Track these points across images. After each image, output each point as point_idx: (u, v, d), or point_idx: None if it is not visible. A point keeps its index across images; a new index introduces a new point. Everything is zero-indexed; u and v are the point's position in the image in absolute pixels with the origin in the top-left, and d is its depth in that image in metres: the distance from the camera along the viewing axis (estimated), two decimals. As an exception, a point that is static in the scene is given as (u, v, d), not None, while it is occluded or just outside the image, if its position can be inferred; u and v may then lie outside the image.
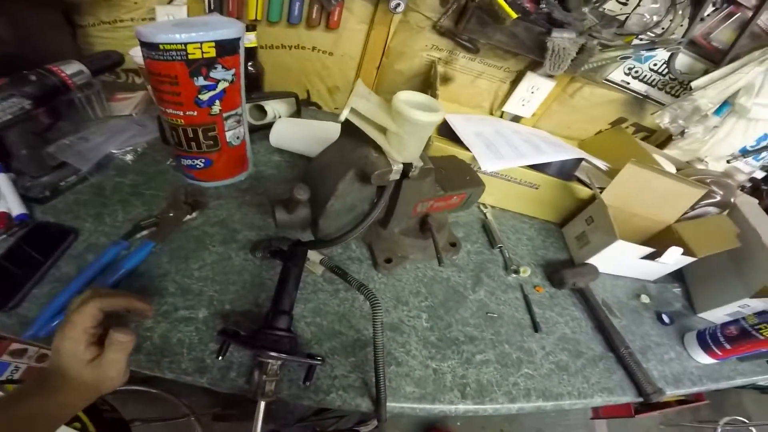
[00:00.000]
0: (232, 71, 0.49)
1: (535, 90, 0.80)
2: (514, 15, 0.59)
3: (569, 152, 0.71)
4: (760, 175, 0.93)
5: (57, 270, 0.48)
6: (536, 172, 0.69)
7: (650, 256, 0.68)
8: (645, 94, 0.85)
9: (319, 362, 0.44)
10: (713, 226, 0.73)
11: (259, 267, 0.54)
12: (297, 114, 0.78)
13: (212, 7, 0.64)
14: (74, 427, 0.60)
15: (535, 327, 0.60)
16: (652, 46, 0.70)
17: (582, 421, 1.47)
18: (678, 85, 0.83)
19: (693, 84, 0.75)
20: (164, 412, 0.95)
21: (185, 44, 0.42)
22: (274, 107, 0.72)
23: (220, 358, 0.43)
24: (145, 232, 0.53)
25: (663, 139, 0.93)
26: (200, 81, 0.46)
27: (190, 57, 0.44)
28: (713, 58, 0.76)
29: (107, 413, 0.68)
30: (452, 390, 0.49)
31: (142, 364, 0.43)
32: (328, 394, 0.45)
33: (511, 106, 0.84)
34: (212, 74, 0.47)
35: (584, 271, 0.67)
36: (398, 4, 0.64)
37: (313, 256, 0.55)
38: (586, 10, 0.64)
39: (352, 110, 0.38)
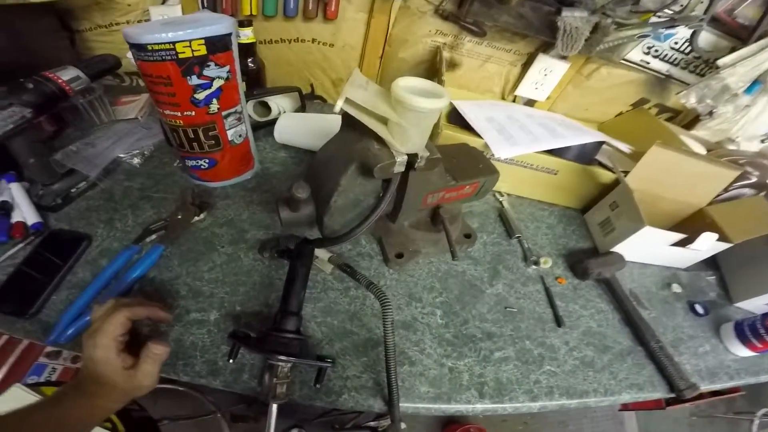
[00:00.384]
0: (227, 68, 0.47)
1: (548, 72, 0.76)
2: (519, -5, 0.55)
3: (588, 135, 0.66)
4: (797, 154, 0.85)
5: (73, 276, 0.49)
6: (554, 157, 0.65)
7: (681, 243, 0.63)
8: (667, 73, 0.80)
9: (329, 365, 0.43)
10: (749, 208, 0.67)
11: (268, 267, 0.54)
12: (302, 108, 0.76)
13: (205, 5, 0.62)
14: (105, 426, 0.61)
15: (558, 321, 0.57)
16: (671, 23, 0.65)
17: (609, 412, 1.42)
18: (703, 64, 0.77)
19: (719, 62, 0.69)
20: (192, 410, 0.98)
21: (173, 43, 0.41)
22: (277, 103, 0.71)
23: (230, 361, 0.43)
24: (154, 236, 0.53)
25: (689, 120, 0.87)
26: (194, 80, 0.45)
27: (180, 56, 0.43)
28: (739, 35, 0.70)
29: (136, 412, 0.70)
30: (469, 389, 0.47)
31: (159, 367, 0.43)
32: (340, 396, 0.44)
33: (524, 90, 0.80)
34: (206, 72, 0.45)
35: (610, 260, 0.63)
36: None
37: (322, 254, 0.53)
38: (596, -13, 0.59)
39: (347, 101, 0.36)
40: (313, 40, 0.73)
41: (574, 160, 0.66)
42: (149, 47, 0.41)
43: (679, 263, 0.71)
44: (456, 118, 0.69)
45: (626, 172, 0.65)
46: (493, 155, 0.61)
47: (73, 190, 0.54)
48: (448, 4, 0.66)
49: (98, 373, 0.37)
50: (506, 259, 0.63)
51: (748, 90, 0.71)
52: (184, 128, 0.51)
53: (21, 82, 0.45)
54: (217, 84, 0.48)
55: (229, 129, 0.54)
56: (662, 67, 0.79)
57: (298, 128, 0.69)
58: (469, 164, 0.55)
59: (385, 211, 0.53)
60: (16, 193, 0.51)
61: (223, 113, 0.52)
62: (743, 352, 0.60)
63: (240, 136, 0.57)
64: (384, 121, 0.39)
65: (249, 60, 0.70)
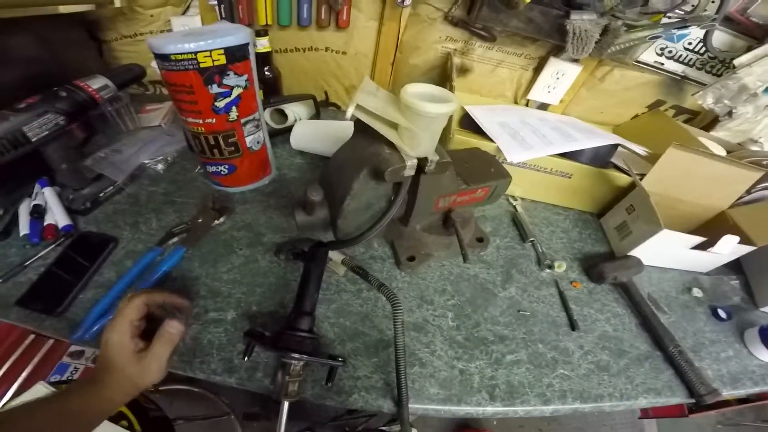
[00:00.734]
0: (245, 77, 0.49)
1: (560, 76, 0.75)
2: (527, -1, 0.56)
3: (602, 138, 0.66)
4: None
5: (99, 276, 0.51)
6: (568, 161, 0.65)
7: (701, 246, 0.61)
8: (682, 74, 0.78)
9: (340, 363, 0.44)
10: (775, 210, 0.65)
11: (283, 269, 0.55)
12: (317, 115, 0.78)
13: (223, 15, 0.65)
14: (121, 425, 0.64)
15: (572, 325, 0.56)
16: (683, 24, 0.64)
17: (629, 420, 1.37)
18: (719, 64, 0.76)
19: (736, 62, 0.68)
20: (207, 411, 1.00)
21: (195, 53, 0.44)
22: (293, 110, 0.73)
23: (245, 358, 0.44)
24: (176, 239, 0.56)
25: (708, 121, 0.85)
26: (214, 88, 0.48)
27: (201, 65, 0.45)
28: (754, 34, 0.68)
29: (152, 412, 0.73)
30: (480, 391, 0.47)
31: (175, 364, 0.44)
32: (351, 395, 0.45)
33: (536, 94, 0.79)
34: (225, 81, 0.48)
35: (626, 264, 0.62)
36: None
37: (336, 256, 0.55)
38: (604, -11, 0.59)
39: (358, 107, 0.37)
40: (327, 49, 0.75)
41: (589, 164, 0.65)
42: (172, 57, 0.44)
43: (700, 267, 0.69)
44: (469, 123, 0.70)
45: (642, 175, 0.64)
46: (505, 159, 0.62)
47: (101, 195, 0.57)
48: (457, 11, 0.66)
49: (109, 358, 0.37)
50: (519, 263, 0.63)
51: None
52: (206, 135, 0.53)
53: (54, 90, 0.48)
54: (236, 92, 0.50)
55: (248, 136, 0.57)
56: (677, 68, 0.77)
57: (313, 135, 0.71)
58: (480, 168, 0.56)
59: (397, 214, 0.54)
60: (48, 197, 0.55)
61: (242, 120, 0.54)
62: (769, 357, 0.57)
63: (258, 142, 0.59)
64: (394, 126, 0.40)
65: (266, 69, 0.72)
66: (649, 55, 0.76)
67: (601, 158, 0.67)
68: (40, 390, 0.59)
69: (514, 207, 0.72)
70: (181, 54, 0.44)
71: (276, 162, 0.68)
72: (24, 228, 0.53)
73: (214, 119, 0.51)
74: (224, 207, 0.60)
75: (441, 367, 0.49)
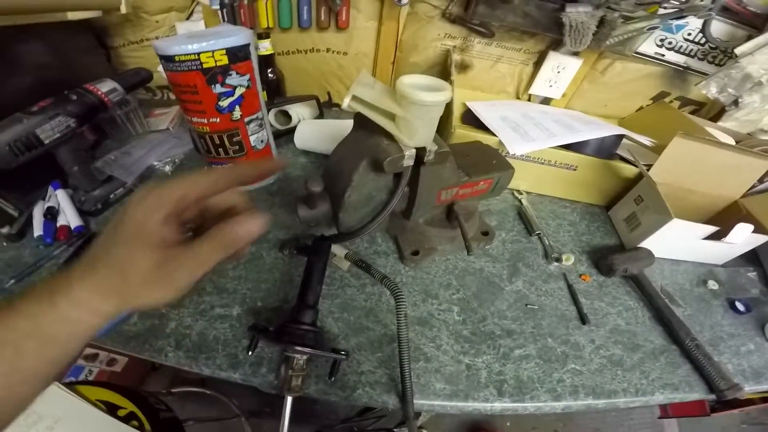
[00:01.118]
0: (247, 77, 0.51)
1: (561, 69, 0.75)
2: (520, -6, 0.56)
3: (606, 129, 0.65)
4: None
5: (108, 276, 0.52)
6: (572, 153, 0.64)
7: (714, 236, 0.59)
8: (685, 65, 0.77)
9: (344, 357, 0.44)
10: (790, 198, 0.63)
11: (288, 264, 0.55)
12: (320, 116, 0.79)
13: (226, 19, 0.67)
14: (132, 425, 0.64)
15: (582, 319, 0.55)
16: (679, 14, 0.64)
17: (648, 420, 1.33)
18: (721, 54, 0.75)
19: (737, 51, 0.67)
20: (219, 413, 1.01)
21: (198, 54, 0.45)
22: (297, 111, 0.74)
23: (250, 353, 0.44)
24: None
25: (716, 112, 0.83)
26: (218, 88, 0.49)
27: (204, 66, 0.46)
28: (753, 23, 0.68)
29: (163, 413, 0.73)
30: (487, 387, 0.46)
31: (181, 360, 0.45)
32: (355, 390, 0.44)
33: (538, 88, 0.79)
34: (228, 81, 0.49)
35: (637, 256, 0.60)
36: None
37: (339, 251, 0.55)
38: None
39: (355, 98, 0.38)
40: (328, 50, 0.76)
41: (594, 156, 0.65)
42: (176, 58, 0.45)
43: (714, 259, 0.67)
44: (470, 119, 0.70)
45: (649, 166, 0.63)
46: (508, 153, 0.61)
47: (111, 196, 0.59)
48: (454, 8, 0.67)
49: (111, 243, 0.25)
50: (526, 257, 0.62)
51: None
52: (210, 134, 0.54)
53: (65, 94, 0.50)
54: (239, 92, 0.51)
55: (252, 135, 0.58)
56: (678, 58, 0.77)
57: (317, 134, 0.72)
58: (482, 161, 0.56)
59: (399, 208, 0.54)
60: (61, 198, 0.56)
61: (246, 119, 0.55)
62: (793, 351, 0.55)
63: (262, 141, 0.60)
64: (391, 117, 0.40)
65: (269, 71, 0.74)
66: (649, 47, 0.75)
67: (606, 150, 0.67)
68: (54, 391, 0.60)
69: (520, 201, 0.71)
70: (184, 55, 0.45)
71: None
72: (38, 229, 0.54)
73: (219, 118, 0.52)
74: (230, 206, 0.60)
75: (447, 362, 0.48)
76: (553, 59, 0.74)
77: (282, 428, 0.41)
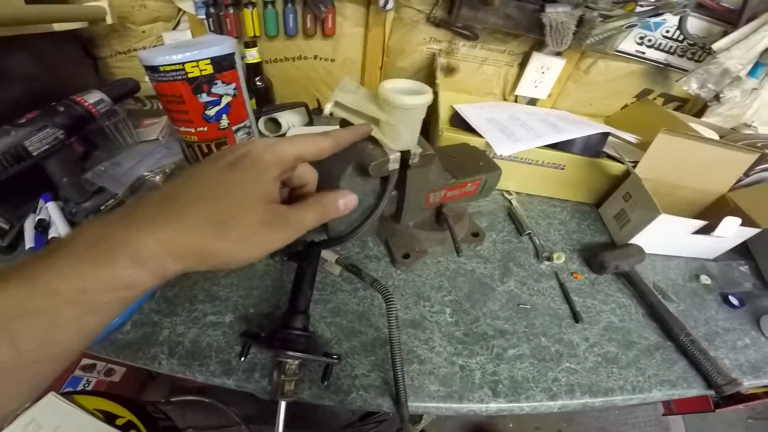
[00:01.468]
0: (233, 85, 0.51)
1: (545, 70, 0.76)
2: (499, -5, 0.57)
3: (591, 128, 0.66)
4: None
5: (101, 286, 0.52)
6: (559, 152, 0.65)
7: (704, 231, 0.60)
8: (665, 62, 0.79)
9: (336, 361, 0.43)
10: (776, 191, 0.63)
11: (279, 271, 0.55)
12: (310, 123, 0.80)
13: (212, 29, 0.68)
14: (131, 435, 0.64)
15: (576, 317, 0.55)
16: (655, 11, 0.65)
17: (653, 417, 1.32)
18: (699, 50, 0.77)
19: (714, 46, 0.69)
20: (219, 421, 1.00)
21: (182, 64, 0.46)
22: (287, 118, 0.75)
23: (242, 359, 0.44)
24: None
25: (699, 108, 0.85)
26: (204, 97, 0.49)
27: (189, 75, 0.47)
28: (728, 19, 0.70)
29: (162, 422, 0.72)
30: (482, 388, 0.46)
31: (175, 367, 0.44)
32: (349, 394, 0.44)
33: (524, 89, 0.80)
34: (214, 90, 0.49)
35: (627, 253, 0.61)
36: (387, 2, 0.64)
37: (330, 256, 0.55)
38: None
39: (337, 104, 0.38)
40: (315, 57, 0.77)
41: (580, 154, 0.65)
42: (161, 68, 0.46)
43: (705, 253, 0.67)
44: (458, 121, 0.70)
45: (636, 163, 0.63)
46: (495, 154, 0.62)
47: (102, 208, 0.59)
48: (438, 12, 0.68)
49: (218, 192, 0.22)
50: (517, 256, 0.62)
51: (752, 73, 0.70)
52: (199, 144, 0.55)
53: (53, 105, 0.50)
54: (225, 100, 0.52)
55: (240, 143, 0.58)
56: (659, 56, 0.78)
57: (306, 141, 0.72)
58: (469, 162, 0.56)
59: (388, 212, 0.54)
60: (52, 211, 0.56)
61: (233, 128, 0.56)
62: (789, 344, 0.55)
63: (250, 149, 0.61)
64: (375, 121, 0.41)
65: (257, 79, 0.75)
66: (629, 45, 0.77)
67: (592, 148, 0.67)
68: (52, 401, 0.59)
69: (509, 201, 0.71)
70: (169, 65, 0.46)
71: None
72: (29, 241, 0.54)
73: (206, 127, 0.53)
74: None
75: (440, 363, 0.48)
76: (537, 60, 0.75)
77: (276, 433, 0.41)
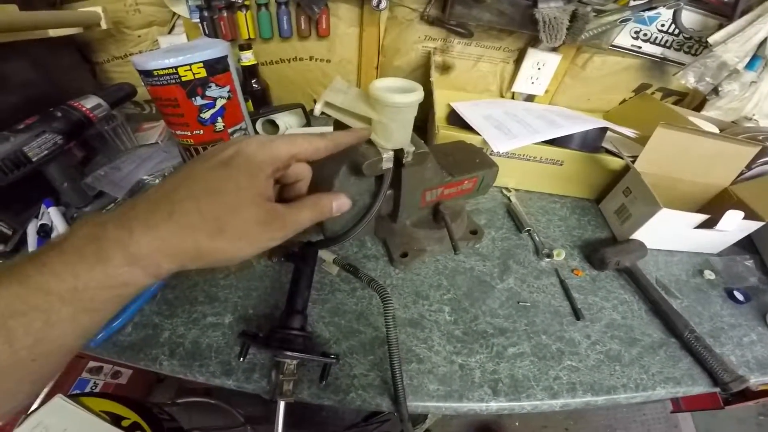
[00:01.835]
0: (227, 88, 0.52)
1: (541, 66, 0.76)
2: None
3: (588, 123, 0.65)
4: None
5: (102, 290, 0.53)
6: (557, 148, 0.64)
7: (706, 225, 0.59)
8: (662, 56, 0.78)
9: (334, 360, 0.43)
10: (779, 183, 0.62)
11: (278, 272, 0.55)
12: (307, 124, 0.80)
13: (206, 32, 0.68)
14: (135, 436, 0.64)
15: (577, 314, 0.54)
16: (649, 5, 0.65)
17: (661, 415, 1.30)
18: (695, 44, 0.76)
19: (710, 40, 0.68)
20: (225, 422, 1.00)
21: (175, 68, 0.46)
22: (284, 120, 0.75)
23: (241, 359, 0.44)
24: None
25: (698, 102, 0.84)
26: (198, 101, 0.50)
27: (183, 79, 0.47)
28: (722, 12, 0.69)
29: (167, 423, 0.73)
30: (482, 386, 0.46)
31: (176, 368, 0.45)
32: (348, 394, 0.44)
33: (520, 86, 0.80)
34: (208, 93, 0.50)
35: (628, 248, 0.60)
36: (380, 1, 0.64)
37: (327, 256, 0.55)
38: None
39: (327, 104, 0.38)
40: (311, 58, 0.77)
41: (579, 150, 0.65)
42: (155, 72, 0.46)
43: (709, 248, 0.66)
44: (455, 119, 0.70)
45: (635, 157, 0.63)
46: (492, 151, 0.61)
47: (103, 212, 0.60)
48: (431, 10, 0.68)
49: (211, 189, 0.22)
50: (517, 254, 0.62)
51: (750, 66, 0.70)
52: (195, 146, 0.55)
53: (51, 111, 0.50)
54: (220, 103, 0.52)
55: (236, 145, 0.58)
56: (655, 50, 0.78)
57: (304, 142, 0.72)
58: (465, 160, 0.56)
59: (385, 210, 0.54)
60: (54, 216, 0.57)
61: (229, 130, 0.56)
62: (796, 339, 0.54)
63: (247, 151, 0.61)
64: (367, 121, 0.40)
65: (253, 81, 0.75)
66: (625, 39, 0.76)
67: (590, 143, 0.67)
68: (59, 403, 0.60)
69: (508, 198, 0.71)
70: (162, 69, 0.46)
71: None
72: (32, 246, 0.55)
73: (202, 130, 0.53)
74: (220, 216, 0.61)
75: (440, 362, 0.47)
76: (533, 56, 0.75)
77: (276, 433, 0.41)
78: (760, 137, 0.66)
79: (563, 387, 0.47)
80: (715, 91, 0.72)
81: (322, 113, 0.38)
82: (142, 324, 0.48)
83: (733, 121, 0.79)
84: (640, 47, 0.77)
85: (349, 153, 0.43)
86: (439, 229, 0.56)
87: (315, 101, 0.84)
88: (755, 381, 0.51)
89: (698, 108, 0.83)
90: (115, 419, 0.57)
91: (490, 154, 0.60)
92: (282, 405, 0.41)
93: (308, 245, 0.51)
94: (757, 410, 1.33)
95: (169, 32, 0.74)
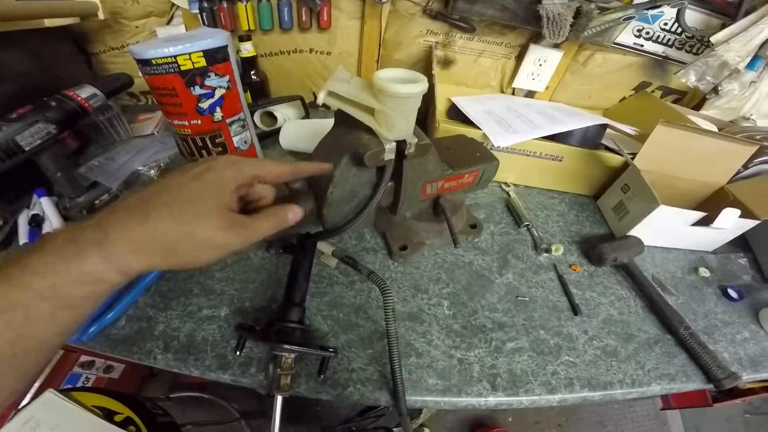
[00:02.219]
0: (226, 78, 0.51)
1: (542, 62, 0.76)
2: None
3: (588, 119, 0.65)
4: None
5: (94, 282, 0.52)
6: (557, 144, 0.64)
7: (702, 222, 0.59)
8: (663, 54, 0.79)
9: (332, 354, 0.43)
10: (775, 183, 0.63)
11: (275, 264, 0.55)
12: (306, 116, 0.79)
13: (206, 22, 0.67)
14: (129, 430, 0.63)
15: (574, 309, 0.54)
16: (653, 3, 0.65)
17: (651, 412, 1.32)
18: (697, 43, 0.76)
19: (713, 39, 0.68)
20: (219, 417, 1.00)
21: (175, 57, 0.45)
22: (282, 112, 0.74)
23: (238, 353, 0.44)
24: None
25: (698, 101, 0.85)
26: (197, 90, 0.49)
27: (182, 68, 0.46)
28: (726, 12, 0.69)
29: (160, 417, 0.72)
30: (480, 381, 0.46)
31: (170, 362, 0.44)
32: (346, 388, 0.43)
33: (521, 82, 0.80)
34: (207, 82, 0.49)
35: (626, 245, 0.60)
36: None
37: (326, 248, 0.54)
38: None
39: (330, 93, 0.38)
40: (311, 50, 0.76)
41: (579, 146, 0.65)
42: (153, 62, 0.45)
43: (704, 246, 0.67)
44: (455, 113, 0.70)
45: (634, 154, 0.63)
46: (492, 146, 0.61)
47: (96, 202, 0.58)
48: (434, 4, 0.68)
49: (182, 198, 0.25)
50: (515, 248, 0.62)
51: (750, 66, 0.70)
52: (193, 137, 0.54)
53: (45, 100, 0.49)
54: (219, 93, 0.51)
55: (235, 136, 0.58)
56: (657, 48, 0.78)
57: (303, 134, 0.72)
58: (466, 153, 0.55)
59: (385, 203, 0.54)
60: (45, 206, 0.56)
61: (228, 120, 0.55)
62: (788, 337, 0.55)
63: (245, 142, 0.60)
64: (370, 111, 0.40)
65: (252, 72, 0.74)
66: (627, 37, 0.76)
67: (590, 140, 0.67)
68: (50, 398, 0.59)
69: (507, 193, 0.71)
70: (161, 58, 0.45)
71: (266, 163, 0.69)
72: (23, 237, 0.54)
73: (200, 120, 0.52)
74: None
75: (438, 356, 0.47)
76: (535, 52, 0.75)
77: (273, 428, 0.40)
78: (758, 137, 0.66)
79: (561, 382, 0.47)
80: (715, 90, 0.73)
81: (324, 105, 0.38)
82: (136, 317, 0.47)
83: (731, 121, 0.79)
84: (642, 45, 0.77)
85: (351, 143, 0.43)
86: (439, 222, 0.56)
87: (314, 93, 0.85)
88: (747, 378, 0.52)
89: (697, 107, 0.83)
90: (107, 414, 0.56)
91: (491, 149, 0.60)
92: (279, 399, 0.41)
93: (307, 237, 0.50)
94: (743, 408, 1.35)
95: (168, 23, 0.73)
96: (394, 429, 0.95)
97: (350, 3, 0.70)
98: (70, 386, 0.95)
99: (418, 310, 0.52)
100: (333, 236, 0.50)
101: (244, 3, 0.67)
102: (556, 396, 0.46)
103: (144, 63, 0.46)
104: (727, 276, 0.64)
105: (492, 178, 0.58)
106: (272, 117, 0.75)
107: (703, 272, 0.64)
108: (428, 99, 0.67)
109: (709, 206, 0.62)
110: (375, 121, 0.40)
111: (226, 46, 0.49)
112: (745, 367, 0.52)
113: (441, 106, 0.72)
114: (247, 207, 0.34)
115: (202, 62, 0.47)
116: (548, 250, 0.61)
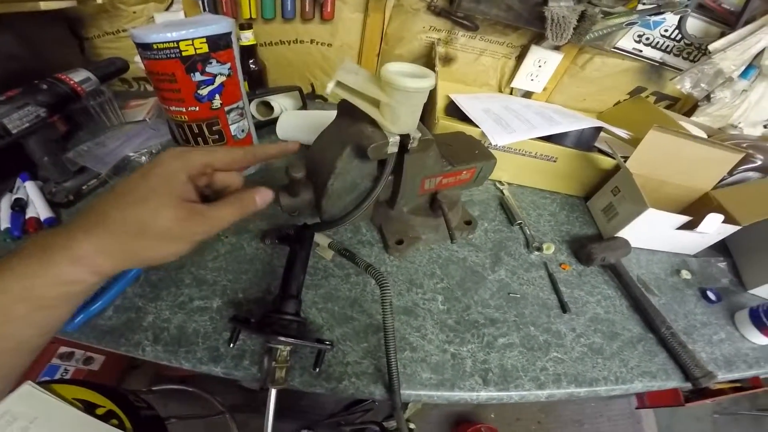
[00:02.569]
0: (228, 65, 0.50)
1: (542, 63, 0.77)
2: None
3: (584, 122, 0.67)
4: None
5: (80, 269, 0.50)
6: (552, 145, 0.65)
7: (687, 226, 0.62)
8: (661, 60, 0.81)
9: (328, 347, 0.43)
10: (757, 191, 0.66)
11: (270, 255, 0.54)
12: (303, 107, 0.78)
13: (207, 9, 0.66)
14: (112, 423, 0.62)
15: (563, 307, 0.56)
16: (657, 10, 0.66)
17: (626, 410, 1.37)
18: (695, 50, 0.78)
19: (710, 47, 0.70)
20: (202, 411, 0.98)
21: (177, 42, 0.44)
22: (280, 102, 0.73)
23: (231, 345, 0.43)
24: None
25: (689, 108, 0.87)
26: (197, 77, 0.48)
27: (183, 54, 0.45)
28: (727, 20, 0.71)
29: (143, 410, 0.70)
30: (473, 376, 0.46)
31: (160, 354, 0.43)
32: (341, 382, 0.43)
33: (520, 82, 0.81)
34: (208, 69, 0.48)
35: (614, 245, 0.62)
36: None
37: (323, 240, 0.54)
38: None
39: (339, 84, 0.38)
40: (312, 41, 0.76)
41: (573, 148, 0.66)
42: (155, 46, 0.44)
43: (687, 249, 0.69)
44: (453, 110, 0.70)
45: (626, 158, 0.65)
46: (490, 144, 0.62)
47: (84, 187, 0.56)
48: (439, 1, 0.68)
49: (134, 198, 0.25)
50: (508, 246, 0.63)
51: (744, 74, 0.72)
52: (189, 123, 0.53)
53: (36, 83, 0.48)
54: (219, 80, 0.50)
55: (232, 124, 0.56)
56: (655, 54, 0.80)
57: (299, 125, 0.71)
58: (465, 150, 0.56)
59: (383, 196, 0.54)
60: (30, 190, 0.54)
61: (226, 108, 0.54)
62: (761, 339, 0.57)
63: (242, 131, 0.59)
64: (376, 104, 0.40)
65: (251, 61, 0.73)
66: (627, 42, 0.77)
67: (584, 142, 0.68)
68: (28, 390, 0.57)
69: (501, 191, 0.72)
70: (163, 43, 0.44)
71: (262, 153, 0.68)
72: (5, 222, 0.51)
73: (198, 107, 0.51)
74: (209, 196, 0.59)
75: (432, 351, 0.48)
76: (535, 53, 0.76)
77: (266, 422, 0.40)
78: (744, 144, 0.69)
79: (549, 378, 0.48)
80: (707, 97, 0.75)
81: (328, 97, 0.38)
82: (124, 307, 0.46)
83: (719, 128, 0.82)
84: (641, 51, 0.79)
85: (354, 135, 0.42)
86: (436, 217, 0.57)
87: (312, 85, 0.84)
88: (722, 377, 0.54)
89: (688, 113, 0.86)
90: (88, 407, 0.54)
91: (488, 147, 0.60)
92: (274, 393, 0.40)
93: (304, 228, 0.50)
94: (713, 408, 1.42)
95: (167, 9, 0.71)
96: (384, 423, 0.95)
97: (354, -5, 0.70)
98: (48, 378, 0.92)
99: (413, 305, 0.52)
100: (331, 228, 0.49)
101: (247, -9, 0.66)
102: (545, 391, 0.47)
103: (144, 47, 0.44)
104: (707, 279, 0.67)
105: (489, 176, 0.59)
106: (269, 107, 0.74)
107: (685, 274, 0.66)
108: (429, 95, 0.67)
109: (693, 211, 0.64)
110: (380, 113, 0.40)
111: (230, 33, 0.48)
112: (720, 367, 0.55)
113: (440, 103, 0.72)
114: (217, 196, 0.33)
115: (205, 48, 0.46)
116: (539, 249, 0.62)
